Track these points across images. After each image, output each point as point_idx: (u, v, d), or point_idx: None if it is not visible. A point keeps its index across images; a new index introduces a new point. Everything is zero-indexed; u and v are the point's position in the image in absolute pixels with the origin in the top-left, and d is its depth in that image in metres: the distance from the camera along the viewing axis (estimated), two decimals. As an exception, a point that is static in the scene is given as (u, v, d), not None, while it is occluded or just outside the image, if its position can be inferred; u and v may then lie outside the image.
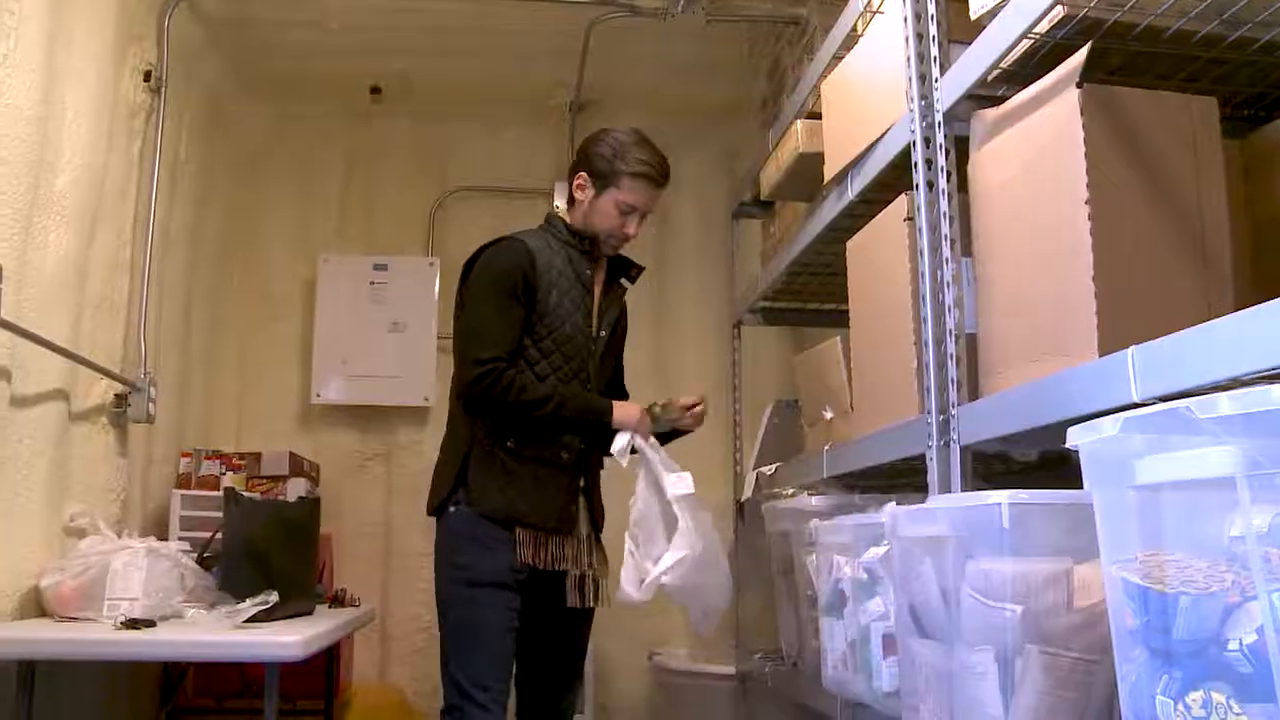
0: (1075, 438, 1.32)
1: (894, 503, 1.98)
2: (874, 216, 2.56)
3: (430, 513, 2.74)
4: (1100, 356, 1.64)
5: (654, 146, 2.80)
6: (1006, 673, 1.54)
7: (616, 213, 2.77)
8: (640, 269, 2.97)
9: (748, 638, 4.00)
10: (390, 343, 4.64)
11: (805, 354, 3.19)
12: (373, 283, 4.68)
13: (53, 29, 2.83)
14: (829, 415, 2.92)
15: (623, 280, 2.93)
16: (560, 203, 2.84)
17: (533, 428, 2.68)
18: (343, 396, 4.63)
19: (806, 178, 3.11)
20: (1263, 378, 1.20)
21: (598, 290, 2.87)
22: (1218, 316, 1.30)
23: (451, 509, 2.68)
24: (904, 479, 2.67)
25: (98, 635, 2.51)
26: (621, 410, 2.75)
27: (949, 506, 1.73)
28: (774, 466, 3.43)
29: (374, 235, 4.88)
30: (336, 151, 4.96)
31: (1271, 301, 1.18)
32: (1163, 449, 1.21)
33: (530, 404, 2.62)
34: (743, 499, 3.93)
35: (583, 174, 2.80)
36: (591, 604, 2.76)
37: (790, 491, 3.16)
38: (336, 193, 4.95)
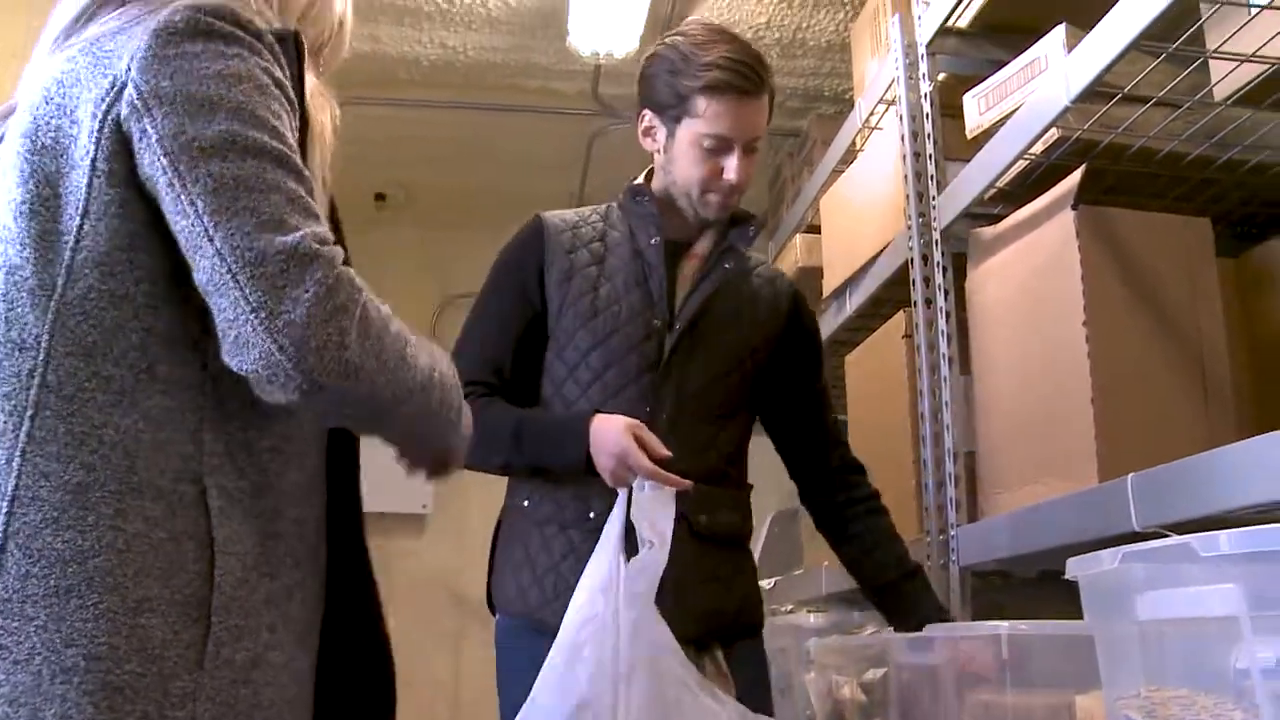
0: (1074, 569, 1.29)
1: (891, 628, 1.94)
2: (873, 331, 2.56)
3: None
4: (1101, 481, 1.62)
5: (735, 40, 1.80)
6: (1009, 809, 1.49)
7: (702, 153, 1.80)
8: (757, 222, 1.97)
9: (747, 755, 3.90)
10: (387, 448, 4.56)
11: (804, 467, 3.15)
12: (372, 388, 4.62)
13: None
14: (828, 530, 2.88)
15: (734, 244, 1.90)
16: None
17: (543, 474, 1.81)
18: (338, 503, 4.54)
19: (806, 292, 3.11)
20: (1262, 513, 1.19)
21: (689, 267, 1.89)
22: (1219, 440, 1.29)
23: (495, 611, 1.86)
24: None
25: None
26: (599, 435, 1.67)
27: (947, 636, 1.69)
28: (773, 581, 3.37)
29: (375, 341, 4.84)
30: (339, 258, 4.97)
31: (1271, 434, 1.17)
32: (1164, 582, 1.18)
33: (485, 447, 1.61)
34: (742, 612, 3.85)
35: (645, 111, 1.87)
36: None
37: (788, 608, 3.10)
38: (338, 298, 4.93)
